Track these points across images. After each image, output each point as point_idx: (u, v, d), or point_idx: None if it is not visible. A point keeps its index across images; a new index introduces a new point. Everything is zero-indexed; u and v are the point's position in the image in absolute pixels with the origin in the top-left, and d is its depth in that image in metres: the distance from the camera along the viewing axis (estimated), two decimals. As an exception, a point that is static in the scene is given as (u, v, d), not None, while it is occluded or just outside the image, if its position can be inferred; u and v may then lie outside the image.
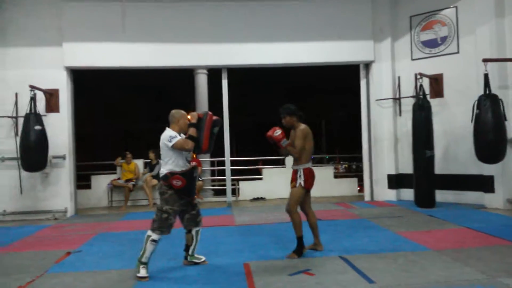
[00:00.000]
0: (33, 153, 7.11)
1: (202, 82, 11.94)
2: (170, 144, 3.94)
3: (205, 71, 11.73)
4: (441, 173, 7.62)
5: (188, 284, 3.70)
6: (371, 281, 3.62)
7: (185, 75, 12.46)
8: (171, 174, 3.94)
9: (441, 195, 7.59)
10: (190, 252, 4.27)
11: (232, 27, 8.22)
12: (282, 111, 4.58)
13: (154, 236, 3.87)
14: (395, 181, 8.36)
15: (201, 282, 3.76)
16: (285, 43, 8.27)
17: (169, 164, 3.98)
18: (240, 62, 8.37)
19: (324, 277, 3.77)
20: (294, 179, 4.54)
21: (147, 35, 8.02)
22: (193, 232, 4.24)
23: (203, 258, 4.33)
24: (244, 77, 12.64)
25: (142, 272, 3.85)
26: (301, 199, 4.53)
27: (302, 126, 4.55)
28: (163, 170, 4.02)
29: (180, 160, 4.00)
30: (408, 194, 8.09)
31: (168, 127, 4.10)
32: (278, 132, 4.41)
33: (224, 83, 8.59)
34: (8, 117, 7.48)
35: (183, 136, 4.04)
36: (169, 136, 3.98)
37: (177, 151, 3.97)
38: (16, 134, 7.46)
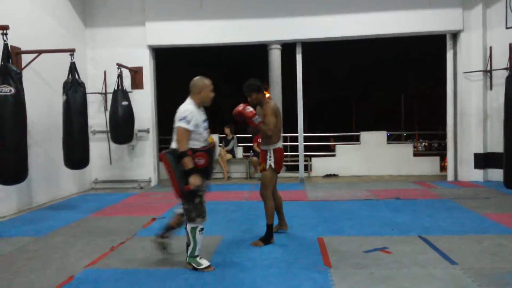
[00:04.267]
0: (121, 126, 7.65)
1: (275, 57, 11.87)
2: (176, 125, 3.41)
3: (278, 46, 11.64)
4: (537, 153, 6.93)
5: (266, 254, 3.81)
6: (453, 262, 3.46)
7: (260, 50, 12.48)
8: (193, 152, 3.40)
9: (536, 177, 6.93)
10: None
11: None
12: (247, 89, 4.15)
13: (200, 225, 3.48)
14: (483, 160, 7.78)
15: (276, 253, 3.86)
16: (363, 14, 7.94)
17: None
18: (315, 35, 8.19)
19: (402, 256, 3.67)
20: (263, 160, 4.22)
21: (223, 12, 8.14)
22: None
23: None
24: (315, 52, 12.33)
25: (204, 262, 3.48)
26: (274, 182, 4.23)
27: (271, 102, 4.23)
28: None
29: (197, 135, 3.44)
30: (496, 174, 7.50)
31: (189, 96, 3.55)
32: (249, 108, 3.98)
33: (298, 58, 8.48)
34: (98, 93, 8.11)
35: (202, 110, 3.56)
36: (182, 115, 3.41)
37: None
38: (106, 109, 8.09)
